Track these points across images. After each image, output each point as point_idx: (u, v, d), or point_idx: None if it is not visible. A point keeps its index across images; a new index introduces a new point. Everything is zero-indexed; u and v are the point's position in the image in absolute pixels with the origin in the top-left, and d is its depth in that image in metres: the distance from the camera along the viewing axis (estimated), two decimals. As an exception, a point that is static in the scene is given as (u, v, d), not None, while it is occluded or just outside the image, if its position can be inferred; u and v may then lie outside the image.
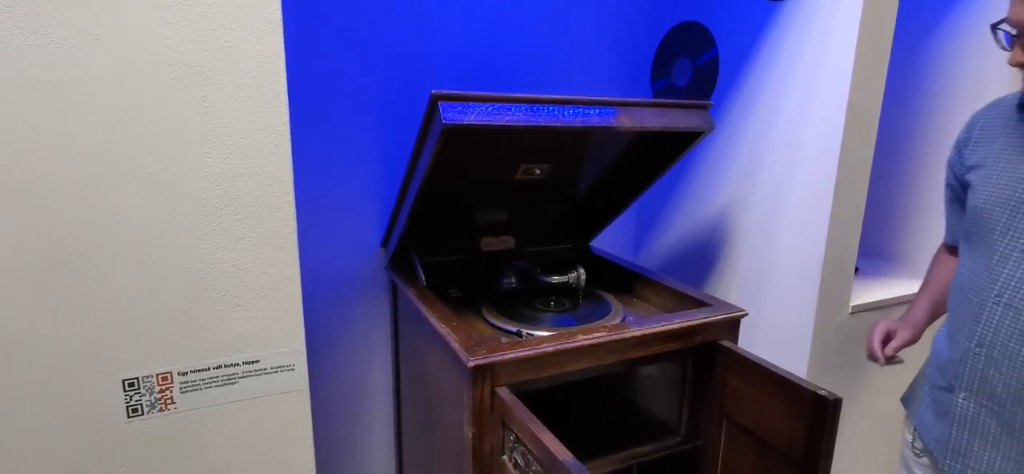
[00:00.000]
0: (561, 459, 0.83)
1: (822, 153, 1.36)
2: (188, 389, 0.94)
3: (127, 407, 0.91)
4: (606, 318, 1.33)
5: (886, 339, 1.25)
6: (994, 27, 0.97)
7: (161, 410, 0.93)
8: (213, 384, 0.96)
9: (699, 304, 1.31)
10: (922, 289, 1.30)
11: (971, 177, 1.10)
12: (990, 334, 1.02)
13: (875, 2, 1.25)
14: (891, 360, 1.24)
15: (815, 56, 1.35)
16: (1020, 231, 1.00)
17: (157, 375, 0.92)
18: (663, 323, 1.18)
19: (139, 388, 0.91)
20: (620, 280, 1.59)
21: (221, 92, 0.87)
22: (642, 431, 1.35)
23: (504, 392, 1.02)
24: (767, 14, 1.45)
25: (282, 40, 0.89)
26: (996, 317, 1.01)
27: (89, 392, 0.88)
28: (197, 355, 0.94)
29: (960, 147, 1.15)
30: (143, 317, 0.89)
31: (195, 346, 0.94)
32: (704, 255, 1.71)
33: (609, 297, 1.46)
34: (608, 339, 1.11)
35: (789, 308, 1.46)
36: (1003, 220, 1.02)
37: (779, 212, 1.48)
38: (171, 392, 0.93)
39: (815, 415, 1.04)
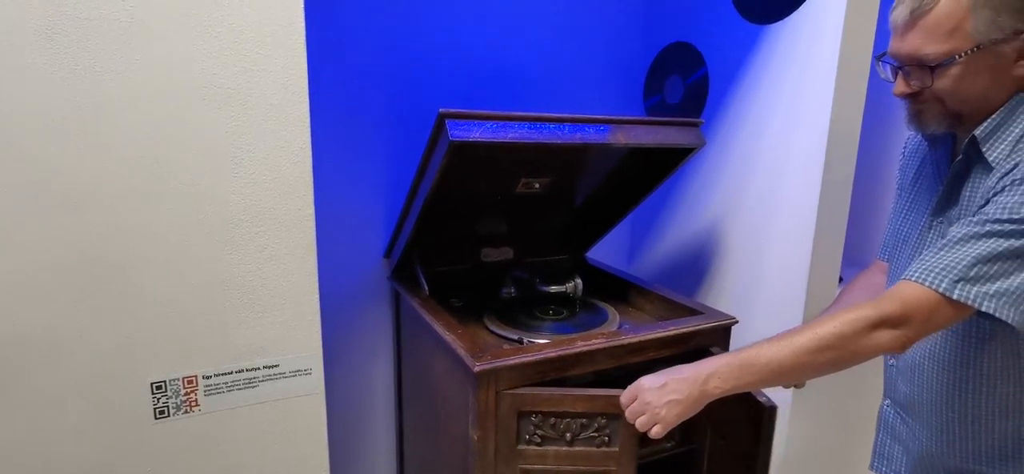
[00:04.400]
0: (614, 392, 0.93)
1: (807, 167, 1.40)
2: (212, 392, 0.99)
3: (154, 409, 0.96)
4: (603, 326, 1.37)
5: None
6: (878, 58, 0.97)
7: (186, 412, 0.98)
8: (235, 387, 1.01)
9: (691, 312, 1.35)
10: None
11: (897, 197, 1.13)
12: None
13: (854, 22, 1.31)
14: None
15: (799, 75, 1.41)
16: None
17: (183, 378, 0.97)
18: (659, 330, 1.23)
19: (166, 391, 0.96)
20: (615, 289, 1.64)
21: (249, 112, 0.93)
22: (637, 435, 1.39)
23: (512, 392, 1.07)
24: (754, 36, 1.51)
25: (305, 64, 0.94)
26: None
27: (119, 394, 0.93)
28: (221, 359, 0.99)
29: (901, 164, 1.16)
30: (172, 322, 0.94)
31: (219, 350, 0.99)
32: (696, 265, 1.76)
33: (605, 305, 1.51)
34: (606, 345, 1.16)
35: (777, 315, 1.51)
36: (912, 243, 1.04)
37: (767, 224, 1.53)
38: (196, 394, 0.98)
39: (758, 420, 1.12)
